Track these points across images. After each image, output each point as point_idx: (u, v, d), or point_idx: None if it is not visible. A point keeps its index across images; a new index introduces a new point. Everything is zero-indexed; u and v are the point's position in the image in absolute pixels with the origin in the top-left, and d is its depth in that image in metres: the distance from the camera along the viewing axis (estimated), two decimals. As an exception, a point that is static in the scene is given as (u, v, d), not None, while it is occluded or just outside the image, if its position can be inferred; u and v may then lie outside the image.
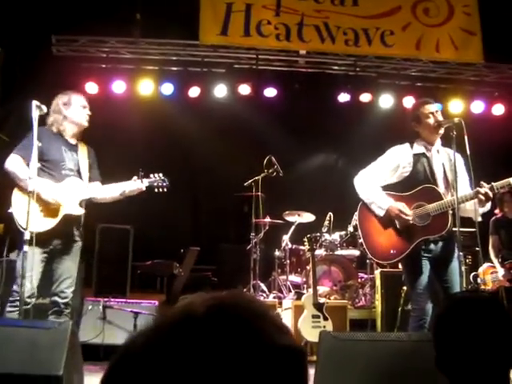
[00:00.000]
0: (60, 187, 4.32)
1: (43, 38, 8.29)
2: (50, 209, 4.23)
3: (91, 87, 8.48)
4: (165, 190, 4.70)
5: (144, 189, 4.59)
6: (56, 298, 4.30)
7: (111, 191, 4.55)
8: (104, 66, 8.63)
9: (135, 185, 4.55)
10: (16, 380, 2.91)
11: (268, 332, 0.78)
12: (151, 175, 4.66)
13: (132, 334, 0.82)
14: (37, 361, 3.00)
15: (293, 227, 8.04)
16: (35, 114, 4.19)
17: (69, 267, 4.36)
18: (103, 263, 7.48)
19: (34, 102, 4.23)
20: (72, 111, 4.54)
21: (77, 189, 4.39)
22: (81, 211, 4.42)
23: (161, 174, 4.70)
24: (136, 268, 8.13)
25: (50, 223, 4.22)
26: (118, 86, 8.61)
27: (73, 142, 4.56)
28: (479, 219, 4.27)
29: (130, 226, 7.88)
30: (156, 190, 4.68)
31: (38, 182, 4.15)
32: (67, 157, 4.45)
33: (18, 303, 4.02)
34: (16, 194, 4.25)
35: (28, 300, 4.05)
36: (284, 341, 0.79)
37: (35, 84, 4.73)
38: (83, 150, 4.61)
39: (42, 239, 4.11)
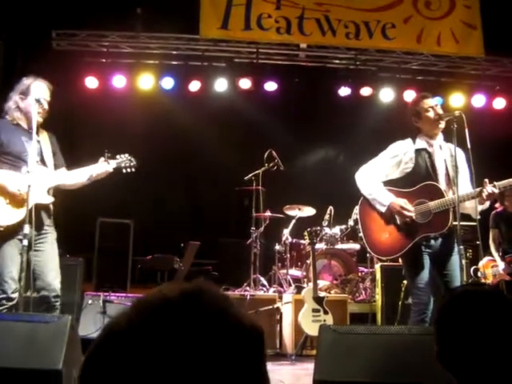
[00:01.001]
0: (25, 177, 4.12)
1: (43, 32, 8.27)
2: (17, 200, 4.08)
3: (91, 82, 8.47)
4: (133, 169, 4.54)
5: (111, 170, 4.43)
6: (44, 293, 4.14)
7: (78, 176, 4.38)
8: (104, 60, 8.61)
9: (102, 167, 4.38)
10: (15, 374, 2.91)
11: (234, 314, 0.92)
12: (117, 156, 4.50)
13: (115, 316, 0.92)
14: (36, 355, 2.99)
15: (293, 221, 8.04)
16: (34, 109, 4.13)
17: (48, 259, 4.22)
18: (103, 257, 7.49)
19: (34, 97, 4.19)
20: (27, 103, 4.27)
21: (43, 177, 4.24)
22: (50, 199, 4.29)
23: (127, 155, 4.54)
24: (136, 262, 8.14)
25: (19, 214, 4.07)
26: (119, 81, 8.59)
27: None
28: (478, 217, 4.25)
29: (130, 221, 7.89)
30: (124, 170, 4.52)
31: (1, 174, 4.07)
32: (29, 147, 4.23)
33: (4, 301, 3.94)
34: None
35: (13, 296, 3.95)
36: (247, 321, 0.92)
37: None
38: (44, 137, 4.43)
39: (15, 231, 3.99)
